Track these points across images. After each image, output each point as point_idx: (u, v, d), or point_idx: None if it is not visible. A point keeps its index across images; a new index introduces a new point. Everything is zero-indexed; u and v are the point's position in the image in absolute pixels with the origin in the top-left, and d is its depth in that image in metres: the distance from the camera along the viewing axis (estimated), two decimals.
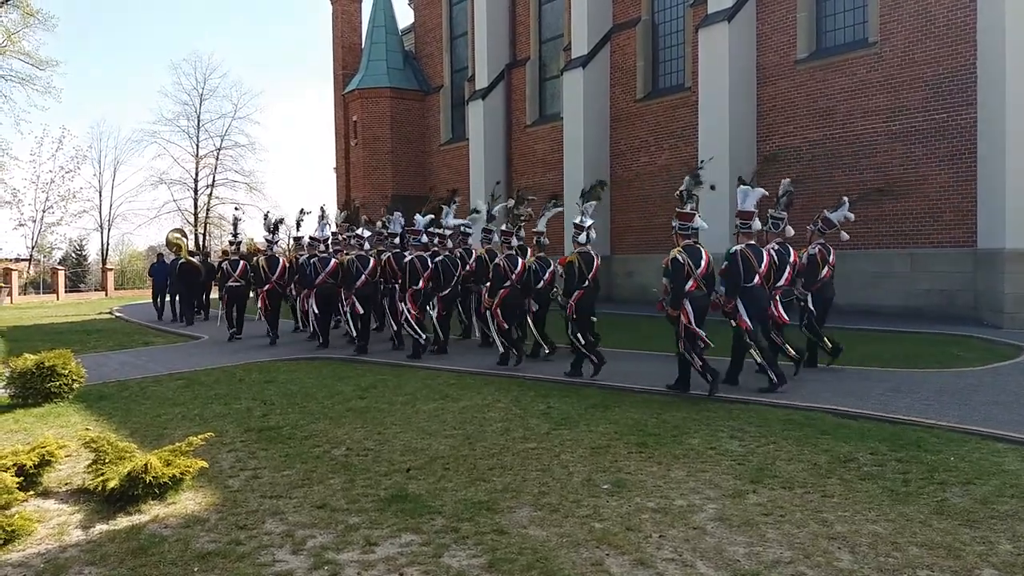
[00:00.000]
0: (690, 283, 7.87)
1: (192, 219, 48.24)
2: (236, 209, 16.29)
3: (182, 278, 18.97)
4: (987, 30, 13.83)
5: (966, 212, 14.53)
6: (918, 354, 10.68)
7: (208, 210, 48.76)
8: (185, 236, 21.40)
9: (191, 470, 5.22)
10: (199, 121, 48.03)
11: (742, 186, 8.78)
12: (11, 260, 41.77)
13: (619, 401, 7.94)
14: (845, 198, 10.83)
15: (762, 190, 8.69)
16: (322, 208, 14.30)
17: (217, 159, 48.39)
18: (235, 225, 16.10)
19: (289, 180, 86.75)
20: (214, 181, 48.63)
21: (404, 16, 41.62)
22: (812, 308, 9.66)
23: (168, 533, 4.50)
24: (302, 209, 15.39)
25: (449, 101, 28.99)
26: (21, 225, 46.53)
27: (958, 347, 11.30)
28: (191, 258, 19.52)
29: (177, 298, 19.65)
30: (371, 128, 28.96)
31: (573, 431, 6.69)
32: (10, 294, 33.17)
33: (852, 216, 10.53)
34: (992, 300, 13.52)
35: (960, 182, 14.64)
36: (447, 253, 12.23)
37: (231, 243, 15.69)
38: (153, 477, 4.94)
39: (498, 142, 25.62)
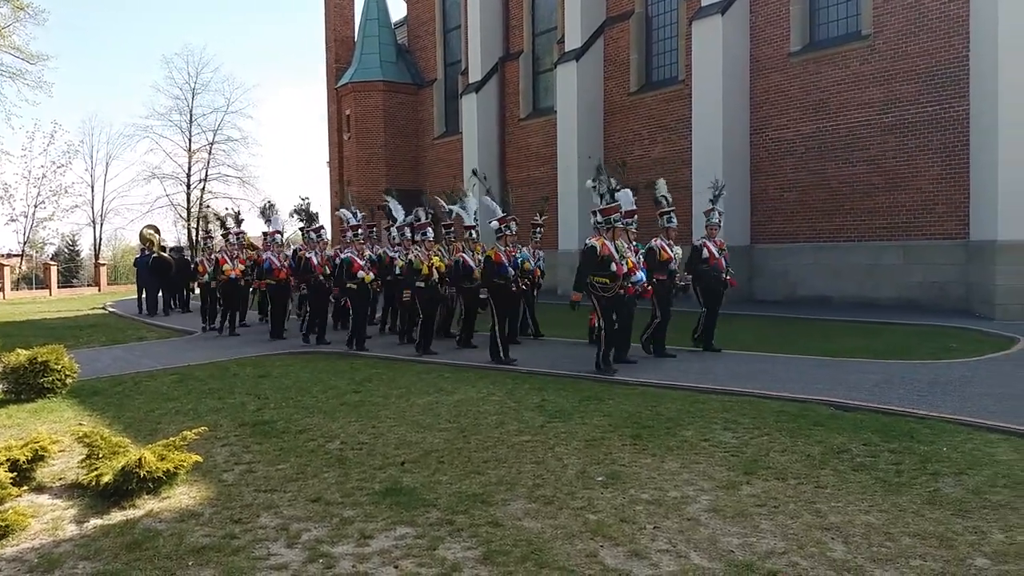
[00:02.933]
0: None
1: (185, 214, 48.01)
2: (228, 208, 16.37)
3: (155, 272, 20.04)
4: (980, 22, 13.84)
5: (958, 204, 14.58)
6: (911, 346, 10.72)
7: (201, 205, 48.53)
8: (158, 232, 21.77)
9: (185, 464, 5.21)
10: (191, 115, 47.73)
11: (626, 189, 9.69)
12: (3, 255, 41.56)
13: (613, 393, 7.96)
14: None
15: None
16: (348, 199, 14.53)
17: (210, 153, 48.10)
18: (238, 219, 15.97)
19: (283, 174, 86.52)
20: (207, 175, 48.39)
21: (397, 9, 41.43)
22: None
23: (162, 527, 4.49)
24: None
25: (443, 94, 28.90)
26: (13, 220, 46.31)
27: (951, 339, 11.35)
28: (163, 253, 20.34)
29: (159, 292, 20.41)
30: (364, 122, 28.87)
31: (567, 424, 6.69)
32: (2, 289, 33.01)
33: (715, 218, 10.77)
34: (984, 292, 13.57)
35: (952, 174, 14.67)
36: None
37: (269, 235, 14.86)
38: (147, 472, 4.92)
39: (492, 136, 25.57)
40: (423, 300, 11.17)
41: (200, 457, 5.46)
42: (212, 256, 15.47)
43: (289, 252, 14.44)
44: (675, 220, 10.59)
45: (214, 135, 48.04)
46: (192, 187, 48.28)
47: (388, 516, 4.55)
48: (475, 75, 25.64)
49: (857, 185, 16.09)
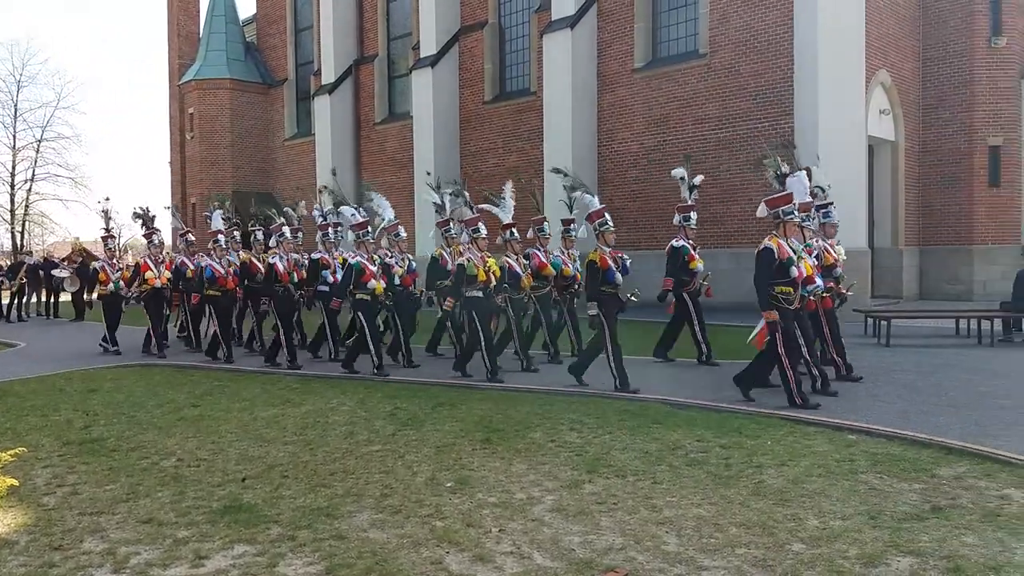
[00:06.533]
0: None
1: (9, 216, 43.89)
2: (107, 199, 13.50)
3: None
4: (803, 46, 15.07)
5: None
6: (740, 347, 11.42)
7: (27, 207, 44.53)
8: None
9: None
10: (16, 110, 43.77)
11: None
12: None
13: (466, 399, 8.01)
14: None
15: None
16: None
17: (38, 151, 44.28)
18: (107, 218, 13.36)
19: (121, 175, 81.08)
20: (34, 175, 44.48)
21: (246, 6, 39.95)
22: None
23: None
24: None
25: (294, 95, 28.15)
26: None
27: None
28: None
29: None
30: (209, 121, 27.64)
31: (419, 431, 6.67)
32: None
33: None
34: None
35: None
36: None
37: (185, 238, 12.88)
38: None
39: (346, 139, 25.14)
40: (480, 312, 9.10)
41: (16, 480, 5.01)
42: (119, 262, 13.12)
43: (300, 257, 11.60)
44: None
45: (42, 132, 44.30)
46: (16, 187, 44.22)
47: (226, 535, 4.36)
48: (328, 76, 25.13)
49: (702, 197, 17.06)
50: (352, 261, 9.79)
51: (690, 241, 10.09)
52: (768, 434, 6.26)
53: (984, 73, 17.55)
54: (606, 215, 8.66)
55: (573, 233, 10.30)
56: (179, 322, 13.57)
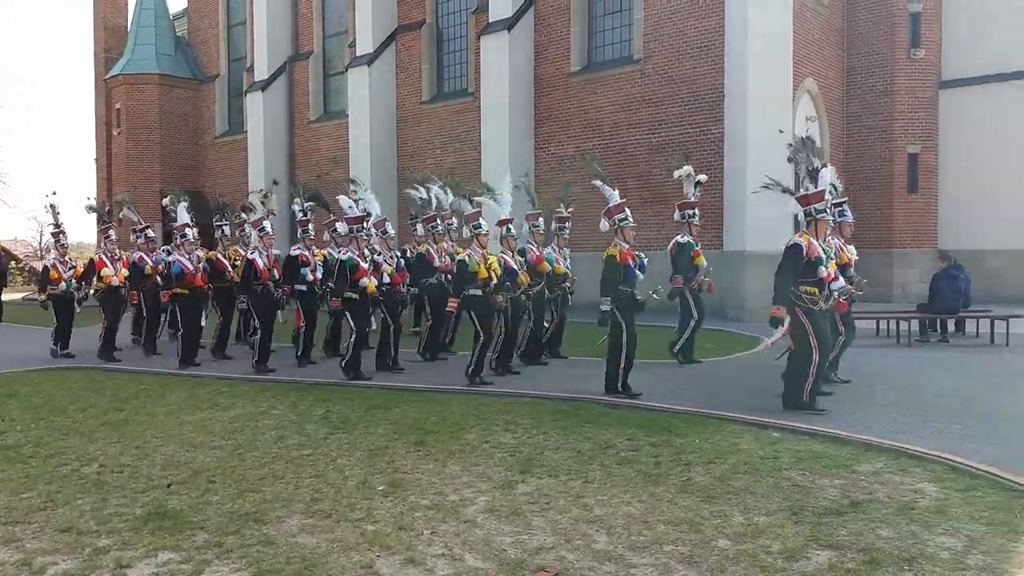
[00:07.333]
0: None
1: None
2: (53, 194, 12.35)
3: None
4: (733, 54, 15.44)
5: (714, 218, 16.10)
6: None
7: None
8: None
9: None
10: None
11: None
12: None
13: (400, 401, 7.97)
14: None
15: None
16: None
17: None
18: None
19: (41, 170, 77.88)
20: None
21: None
22: None
23: None
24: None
25: (226, 91, 27.51)
26: None
27: (707, 339, 12.48)
28: None
29: None
30: (137, 117, 26.80)
31: (351, 434, 6.61)
32: None
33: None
34: (735, 297, 15.12)
35: (709, 191, 16.16)
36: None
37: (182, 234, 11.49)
38: None
39: (279, 137, 24.69)
40: (479, 312, 8.76)
41: None
42: (67, 258, 12.09)
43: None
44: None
45: None
46: None
47: (149, 542, 4.24)
48: (261, 73, 24.65)
49: (629, 199, 17.30)
50: (344, 257, 9.24)
51: (693, 237, 10.15)
52: (696, 432, 6.40)
53: (904, 83, 18.34)
54: (626, 210, 8.38)
55: (556, 230, 10.53)
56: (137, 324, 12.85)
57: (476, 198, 9.88)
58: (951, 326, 12.64)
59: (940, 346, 11.90)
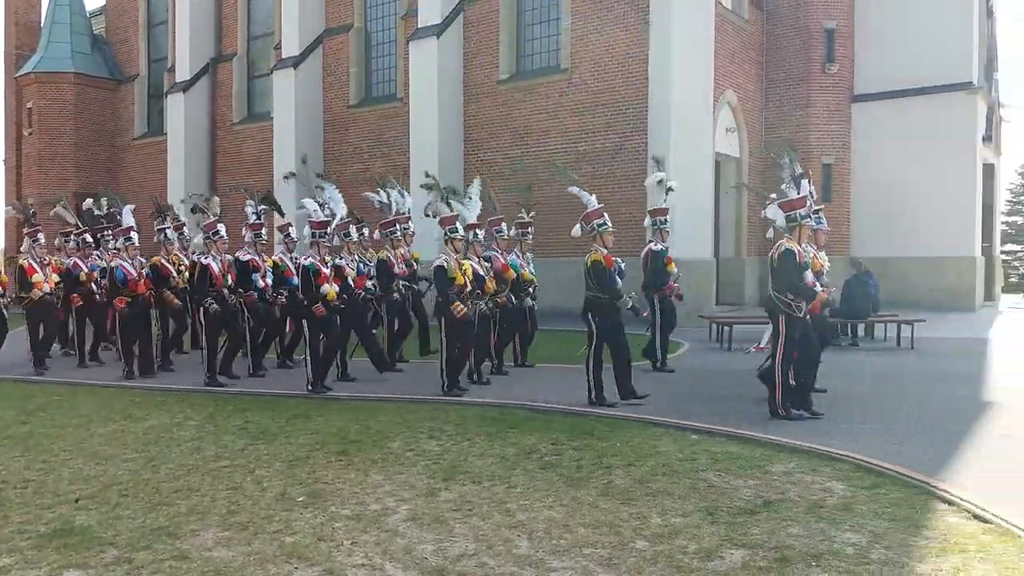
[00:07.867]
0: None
1: None
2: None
3: None
4: (657, 66, 15.78)
5: (636, 225, 16.37)
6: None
7: None
8: None
9: None
10: None
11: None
12: None
13: (323, 410, 7.84)
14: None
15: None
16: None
17: None
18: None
19: None
20: None
21: None
22: None
23: None
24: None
25: (145, 92, 26.66)
26: None
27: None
28: None
29: None
30: (50, 117, 25.73)
31: (271, 445, 6.47)
32: None
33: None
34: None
35: (632, 200, 16.44)
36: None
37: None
38: None
39: (201, 139, 24.07)
40: (450, 319, 8.35)
41: None
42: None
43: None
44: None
45: None
46: None
47: (55, 560, 4.07)
48: (183, 74, 23.99)
49: (557, 207, 17.47)
50: (306, 263, 8.78)
51: (664, 244, 10.25)
52: (618, 435, 6.51)
53: (819, 96, 19.03)
54: (605, 215, 8.28)
55: (519, 235, 10.41)
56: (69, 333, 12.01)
57: (452, 201, 9.40)
58: (861, 331, 13.17)
59: (851, 350, 12.39)
